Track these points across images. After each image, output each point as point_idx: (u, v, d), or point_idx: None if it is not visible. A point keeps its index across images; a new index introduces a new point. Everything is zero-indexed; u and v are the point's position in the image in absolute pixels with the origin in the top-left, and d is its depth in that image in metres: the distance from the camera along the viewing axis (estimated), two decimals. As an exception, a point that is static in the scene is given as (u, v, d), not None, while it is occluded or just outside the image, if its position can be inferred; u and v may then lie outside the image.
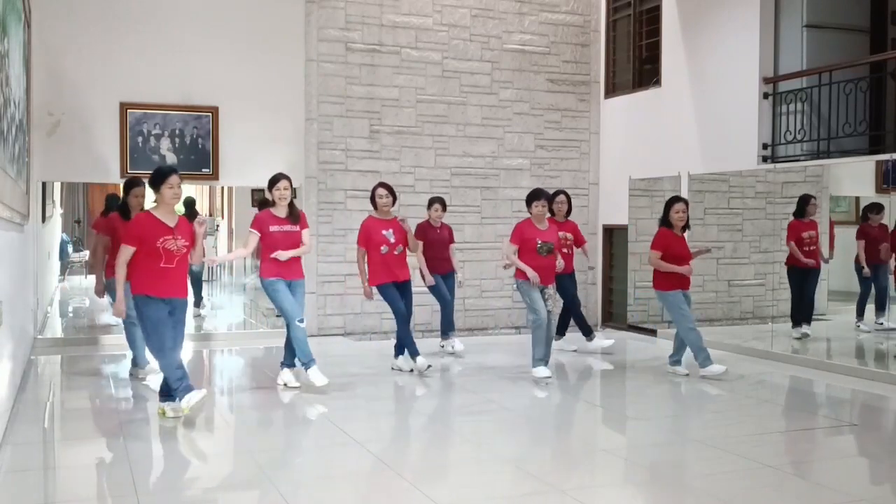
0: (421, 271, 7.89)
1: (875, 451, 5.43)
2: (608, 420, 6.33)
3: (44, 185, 8.88)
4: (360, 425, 5.93)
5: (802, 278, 8.57)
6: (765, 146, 8.42)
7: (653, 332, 9.62)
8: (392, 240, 7.15)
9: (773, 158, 8.41)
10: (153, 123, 8.88)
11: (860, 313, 8.80)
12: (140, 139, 8.83)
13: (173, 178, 5.63)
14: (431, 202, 8.32)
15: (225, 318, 11.13)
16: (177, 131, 8.96)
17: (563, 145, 10.50)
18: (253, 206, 9.89)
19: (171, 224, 5.64)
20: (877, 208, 8.43)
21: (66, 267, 11.06)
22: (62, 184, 9.73)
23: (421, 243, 7.84)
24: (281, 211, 6.61)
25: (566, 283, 8.26)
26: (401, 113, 9.73)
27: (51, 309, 10.05)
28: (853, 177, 8.66)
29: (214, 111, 9.05)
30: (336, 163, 9.49)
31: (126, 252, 5.55)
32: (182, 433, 5.55)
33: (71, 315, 10.84)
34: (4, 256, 5.39)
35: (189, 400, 5.56)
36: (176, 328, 5.74)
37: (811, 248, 8.48)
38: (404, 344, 7.34)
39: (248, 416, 6.16)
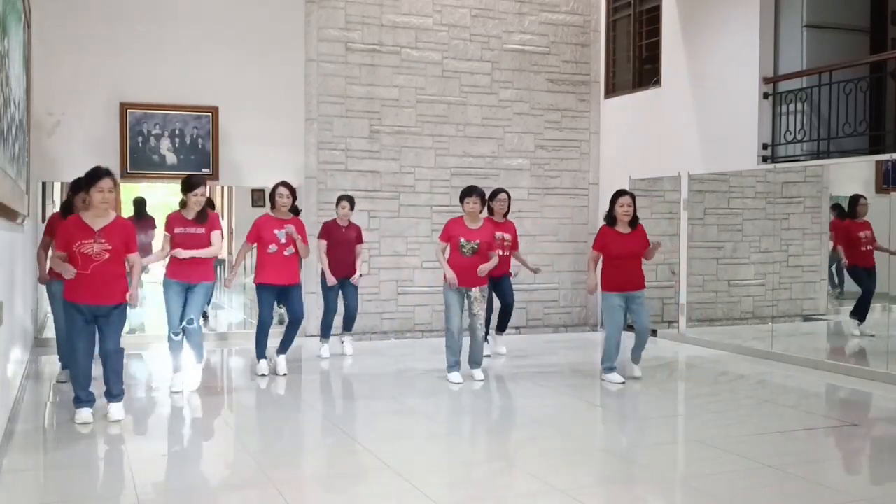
0: (323, 271, 7.84)
1: (875, 451, 5.43)
2: (608, 420, 6.33)
3: (44, 185, 8.88)
4: (360, 425, 5.93)
5: (866, 276, 8.54)
6: (765, 146, 8.42)
7: (653, 333, 9.61)
8: (283, 240, 7.00)
9: (773, 158, 8.41)
10: (153, 123, 8.88)
11: None
12: (140, 139, 8.84)
13: (104, 182, 5.39)
14: (339, 199, 8.07)
15: (224, 318, 11.13)
16: (177, 131, 8.96)
17: (563, 145, 10.50)
18: (253, 205, 9.89)
19: (96, 227, 5.45)
20: None
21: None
22: (62, 184, 9.71)
23: (323, 245, 7.83)
24: (190, 213, 6.54)
25: (504, 286, 8.07)
26: (401, 113, 9.73)
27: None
28: (853, 177, 8.67)
29: (214, 111, 9.05)
30: (336, 163, 9.49)
31: (59, 256, 5.48)
32: (182, 433, 5.55)
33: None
34: (4, 256, 5.39)
35: (78, 415, 5.53)
36: (105, 336, 5.57)
37: (867, 247, 8.47)
38: (256, 343, 7.22)
39: (247, 416, 6.16)
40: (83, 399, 5.56)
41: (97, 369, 5.69)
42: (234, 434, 5.71)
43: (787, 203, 8.87)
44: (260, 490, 4.37)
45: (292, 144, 9.34)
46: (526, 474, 4.71)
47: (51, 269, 6.45)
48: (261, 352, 7.22)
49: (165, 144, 8.93)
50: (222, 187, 10.32)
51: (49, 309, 9.68)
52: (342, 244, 7.94)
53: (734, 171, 8.90)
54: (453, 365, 7.02)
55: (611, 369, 7.09)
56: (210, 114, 9.03)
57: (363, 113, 9.58)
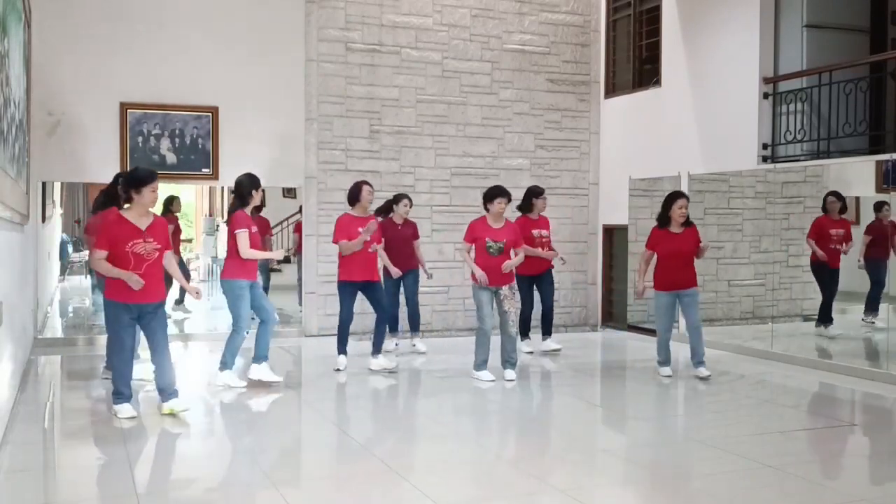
0: (387, 267, 7.83)
1: (875, 451, 5.43)
2: (608, 420, 6.33)
3: (44, 185, 8.88)
4: (360, 425, 5.94)
5: (828, 277, 8.56)
6: (765, 146, 8.42)
7: (653, 332, 9.59)
8: (367, 237, 7.14)
9: (773, 158, 8.41)
10: (153, 123, 8.89)
11: None
12: (140, 139, 8.84)
13: (157, 183, 5.64)
14: (400, 198, 8.25)
15: (225, 317, 11.13)
16: (177, 131, 8.96)
17: (563, 145, 10.50)
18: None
19: (143, 226, 5.59)
20: None
21: (66, 267, 11.04)
22: (62, 184, 9.71)
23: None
24: (252, 210, 6.74)
25: (546, 283, 8.34)
26: (401, 113, 9.73)
27: (51, 309, 10.04)
28: (853, 177, 8.66)
29: (214, 111, 9.05)
30: (336, 163, 9.49)
31: (99, 255, 5.51)
32: (182, 433, 5.55)
33: (71, 315, 10.84)
34: (4, 256, 5.39)
35: (119, 410, 5.63)
36: (155, 334, 5.70)
37: (836, 246, 8.48)
38: (339, 339, 7.46)
39: (247, 416, 6.16)
40: (126, 395, 5.68)
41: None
42: (234, 434, 5.71)
43: (787, 203, 8.87)
44: (260, 490, 4.37)
45: (292, 144, 9.34)
46: (526, 474, 4.71)
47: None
48: (342, 347, 7.43)
49: (165, 144, 8.94)
50: (222, 187, 10.33)
51: (50, 308, 9.71)
52: (398, 241, 8.10)
53: (734, 171, 8.90)
54: (481, 364, 7.05)
55: (662, 363, 7.36)
56: (210, 114, 9.03)
57: (363, 113, 9.58)
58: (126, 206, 5.72)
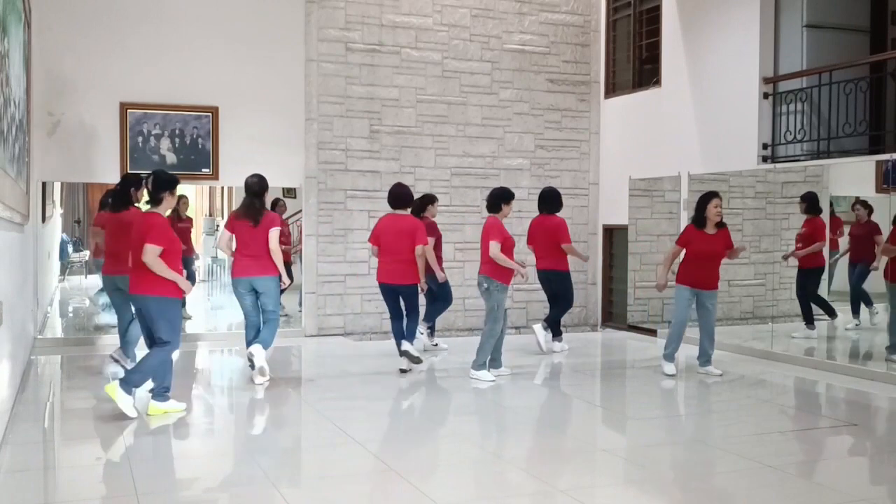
0: (433, 268, 7.76)
1: (875, 451, 5.43)
2: (608, 420, 6.33)
3: (44, 185, 8.88)
4: (360, 425, 5.93)
5: (802, 277, 8.63)
6: (765, 146, 8.42)
7: (653, 332, 9.62)
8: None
9: (773, 158, 8.41)
10: (153, 123, 8.89)
11: None
12: (140, 139, 8.84)
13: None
14: (433, 199, 8.39)
15: (225, 317, 11.13)
16: (177, 131, 8.96)
17: (563, 145, 10.50)
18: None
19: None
20: None
21: (66, 267, 11.05)
22: (62, 184, 9.72)
23: (431, 242, 7.90)
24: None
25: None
26: (401, 113, 9.73)
27: (51, 309, 10.05)
28: (853, 177, 8.67)
29: (214, 111, 9.05)
30: (336, 163, 9.49)
31: (156, 251, 5.56)
32: (182, 433, 5.55)
33: (71, 315, 10.84)
34: (4, 256, 5.39)
35: (170, 406, 5.77)
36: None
37: (798, 244, 8.57)
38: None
39: (247, 415, 6.17)
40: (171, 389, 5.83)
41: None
42: (234, 434, 5.71)
43: (787, 203, 8.87)
44: (260, 490, 4.37)
45: (292, 144, 9.34)
46: (526, 474, 4.71)
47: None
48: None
49: (165, 144, 8.94)
50: (222, 187, 10.34)
51: (50, 308, 9.70)
52: (439, 241, 8.24)
53: (734, 171, 8.90)
54: (482, 364, 7.11)
55: (668, 357, 7.36)
56: (210, 114, 9.03)
57: (363, 113, 9.58)
58: (141, 206, 5.87)
